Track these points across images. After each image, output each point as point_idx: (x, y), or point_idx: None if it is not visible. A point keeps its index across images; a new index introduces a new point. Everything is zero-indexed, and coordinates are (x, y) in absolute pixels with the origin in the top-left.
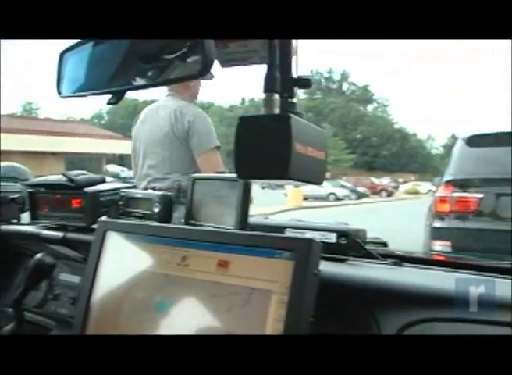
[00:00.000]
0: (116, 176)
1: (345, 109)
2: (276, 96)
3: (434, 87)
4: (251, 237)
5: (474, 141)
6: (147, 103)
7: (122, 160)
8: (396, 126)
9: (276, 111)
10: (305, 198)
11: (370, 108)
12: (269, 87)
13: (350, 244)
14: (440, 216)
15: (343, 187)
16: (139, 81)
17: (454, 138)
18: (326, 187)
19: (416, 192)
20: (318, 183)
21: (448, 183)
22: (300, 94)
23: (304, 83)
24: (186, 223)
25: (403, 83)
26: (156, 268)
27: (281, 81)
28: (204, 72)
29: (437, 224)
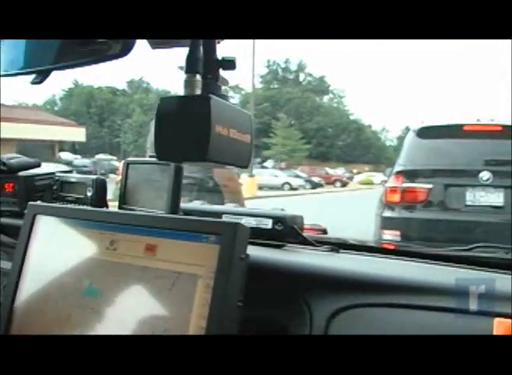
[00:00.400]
0: (69, 164)
1: (301, 100)
2: (198, 77)
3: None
4: (179, 221)
5: (425, 132)
6: (101, 89)
7: (74, 147)
8: (352, 118)
9: (197, 92)
10: (260, 188)
11: (326, 99)
12: (191, 68)
13: (287, 231)
14: (390, 205)
15: (297, 176)
16: (64, 61)
17: (408, 130)
18: (281, 177)
19: (370, 183)
20: (244, 166)
21: (398, 173)
22: (257, 83)
23: (229, 64)
24: (120, 208)
25: (359, 75)
26: (85, 252)
27: (204, 62)
28: (126, 52)
29: (387, 214)
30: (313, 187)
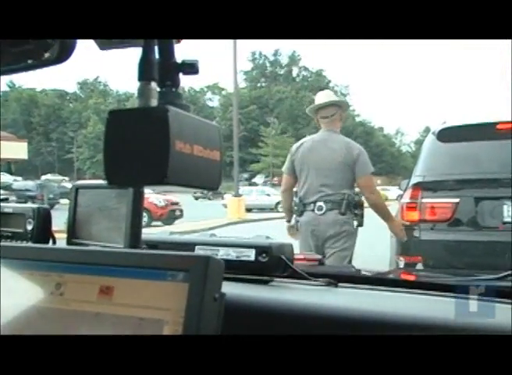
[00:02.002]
0: (7, 188)
1: (295, 100)
2: (153, 85)
3: (404, 71)
4: (139, 256)
5: (448, 134)
6: (46, 93)
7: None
8: (358, 119)
9: (154, 103)
10: (248, 210)
11: None
12: (144, 74)
13: (273, 262)
14: (408, 226)
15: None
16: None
17: (428, 132)
18: (274, 196)
19: (384, 199)
20: (212, 188)
21: (416, 186)
22: (241, 81)
23: (190, 68)
24: (69, 243)
25: (365, 68)
26: (24, 300)
27: (160, 67)
28: (64, 57)
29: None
30: None
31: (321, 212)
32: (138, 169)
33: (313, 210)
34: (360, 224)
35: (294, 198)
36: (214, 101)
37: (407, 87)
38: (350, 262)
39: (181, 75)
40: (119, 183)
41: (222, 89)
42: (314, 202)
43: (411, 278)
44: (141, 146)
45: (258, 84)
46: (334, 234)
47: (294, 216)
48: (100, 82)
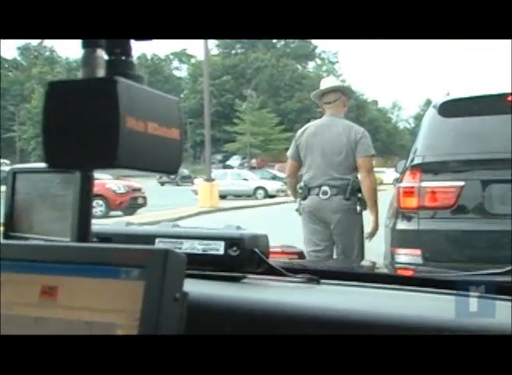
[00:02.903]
0: None
1: (276, 69)
2: (100, 52)
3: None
4: (88, 251)
5: (451, 108)
6: None
7: None
8: None
9: (100, 73)
10: (222, 196)
11: (311, 66)
12: (89, 41)
13: (245, 256)
14: (405, 214)
15: (275, 178)
16: None
17: (428, 106)
18: (252, 180)
19: (378, 182)
20: (171, 171)
21: (415, 168)
22: (213, 47)
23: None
24: (5, 237)
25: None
26: None
27: None
28: None
29: (401, 226)
30: None
31: (326, 196)
32: (83, 150)
33: (317, 194)
34: (364, 208)
35: (300, 183)
36: (181, 71)
37: (405, 53)
38: (361, 250)
39: (133, 41)
40: (61, 167)
41: (191, 56)
42: (319, 186)
43: (406, 273)
44: (86, 123)
45: (233, 51)
46: (338, 220)
47: (299, 199)
48: (45, 47)
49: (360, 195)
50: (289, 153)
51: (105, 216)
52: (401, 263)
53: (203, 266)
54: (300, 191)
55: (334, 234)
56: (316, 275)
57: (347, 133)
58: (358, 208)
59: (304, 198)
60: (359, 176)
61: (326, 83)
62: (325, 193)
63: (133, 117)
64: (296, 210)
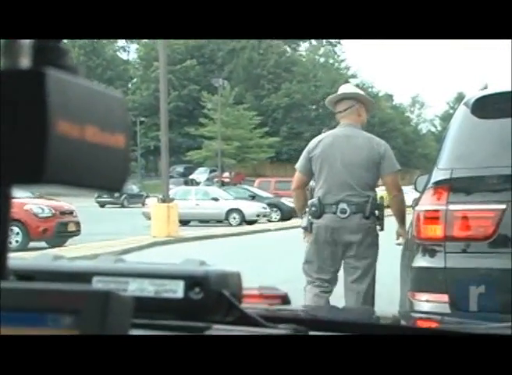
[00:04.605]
0: None
1: (257, 51)
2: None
3: None
4: (3, 293)
5: (489, 105)
6: None
7: None
8: (355, 82)
9: (24, 63)
10: (184, 222)
11: (304, 48)
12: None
13: (211, 301)
14: (428, 246)
15: (255, 198)
16: None
17: (460, 102)
18: (225, 200)
19: None
20: (115, 188)
21: (440, 185)
22: None
23: None
24: None
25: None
26: None
27: None
28: None
29: (422, 262)
30: (284, 218)
31: (345, 215)
32: (1, 161)
33: (335, 212)
34: (382, 228)
35: (313, 199)
36: (129, 53)
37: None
38: (373, 278)
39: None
40: None
41: None
42: (337, 203)
43: (428, 325)
44: (6, 127)
45: None
46: (357, 242)
47: (308, 216)
48: None
49: (378, 215)
50: (298, 165)
51: (24, 248)
52: (422, 312)
53: (155, 312)
54: (313, 208)
55: (347, 257)
56: (304, 325)
57: (368, 146)
58: (378, 227)
59: (319, 217)
60: (389, 195)
61: (341, 89)
62: (343, 211)
63: (66, 120)
64: (304, 228)
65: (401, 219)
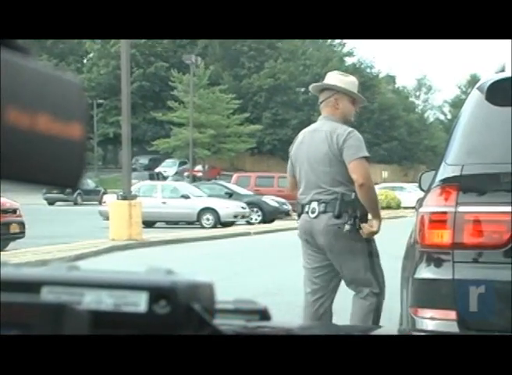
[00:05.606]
0: None
1: None
2: None
3: None
4: None
5: (505, 90)
6: None
7: None
8: (351, 61)
9: None
10: (148, 224)
11: None
12: None
13: (180, 316)
14: (433, 254)
15: (232, 195)
16: None
17: (472, 86)
18: (196, 198)
19: (394, 205)
20: (69, 184)
21: (448, 183)
22: None
23: None
24: None
25: None
26: None
27: None
28: None
29: (426, 273)
30: (266, 220)
31: (314, 214)
32: None
33: (307, 212)
34: (356, 227)
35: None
36: None
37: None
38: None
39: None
40: None
41: None
42: (309, 203)
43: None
44: None
45: None
46: (327, 244)
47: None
48: None
49: (357, 213)
50: (287, 167)
51: None
52: (426, 331)
53: (114, 329)
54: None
55: (335, 265)
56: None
57: (329, 139)
58: (347, 226)
59: (298, 218)
60: (355, 184)
61: (326, 78)
62: (313, 211)
63: (15, 107)
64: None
65: (372, 211)
